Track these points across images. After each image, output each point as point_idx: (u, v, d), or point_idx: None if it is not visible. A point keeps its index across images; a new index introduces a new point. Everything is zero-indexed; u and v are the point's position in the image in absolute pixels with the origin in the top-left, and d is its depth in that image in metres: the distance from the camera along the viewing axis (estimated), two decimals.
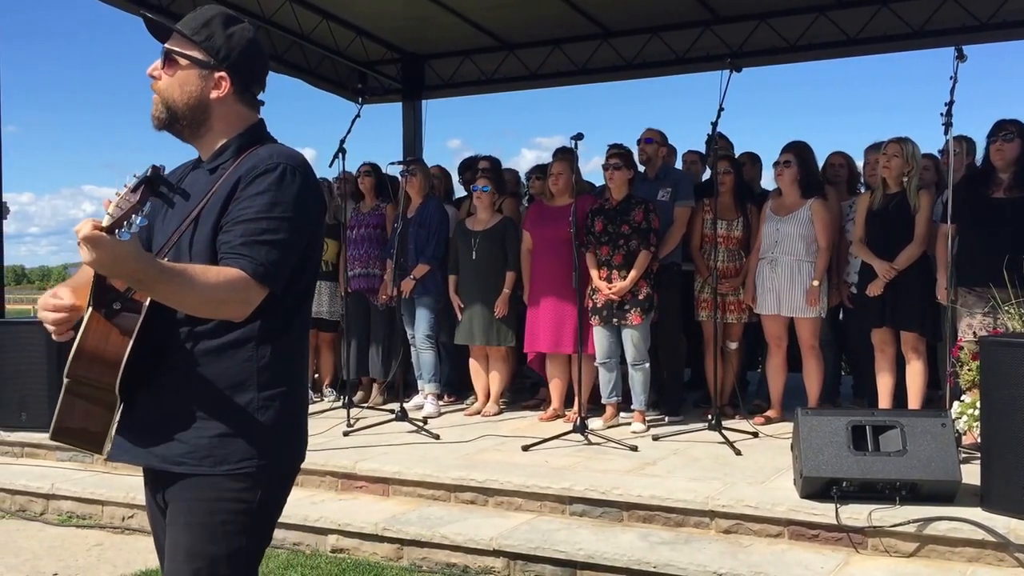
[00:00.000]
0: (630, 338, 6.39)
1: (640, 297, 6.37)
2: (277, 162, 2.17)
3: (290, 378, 2.25)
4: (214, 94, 2.24)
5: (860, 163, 7.49)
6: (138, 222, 1.82)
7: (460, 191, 8.58)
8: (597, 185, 7.57)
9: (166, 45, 2.26)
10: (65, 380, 2.11)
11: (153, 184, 1.85)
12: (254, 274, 2.06)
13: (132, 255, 1.85)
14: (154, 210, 2.27)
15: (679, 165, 7.71)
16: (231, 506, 2.17)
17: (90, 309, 2.07)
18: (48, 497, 5.92)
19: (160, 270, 1.93)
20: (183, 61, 2.24)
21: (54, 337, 2.18)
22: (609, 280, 6.43)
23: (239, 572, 2.21)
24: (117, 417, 2.15)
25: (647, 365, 6.44)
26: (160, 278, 1.93)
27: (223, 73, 2.24)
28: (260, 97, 2.37)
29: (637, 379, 6.45)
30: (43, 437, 6.67)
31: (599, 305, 6.45)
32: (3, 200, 7.38)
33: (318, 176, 2.49)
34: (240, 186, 2.15)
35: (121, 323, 2.07)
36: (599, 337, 6.50)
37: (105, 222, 1.82)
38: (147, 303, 2.08)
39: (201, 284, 1.98)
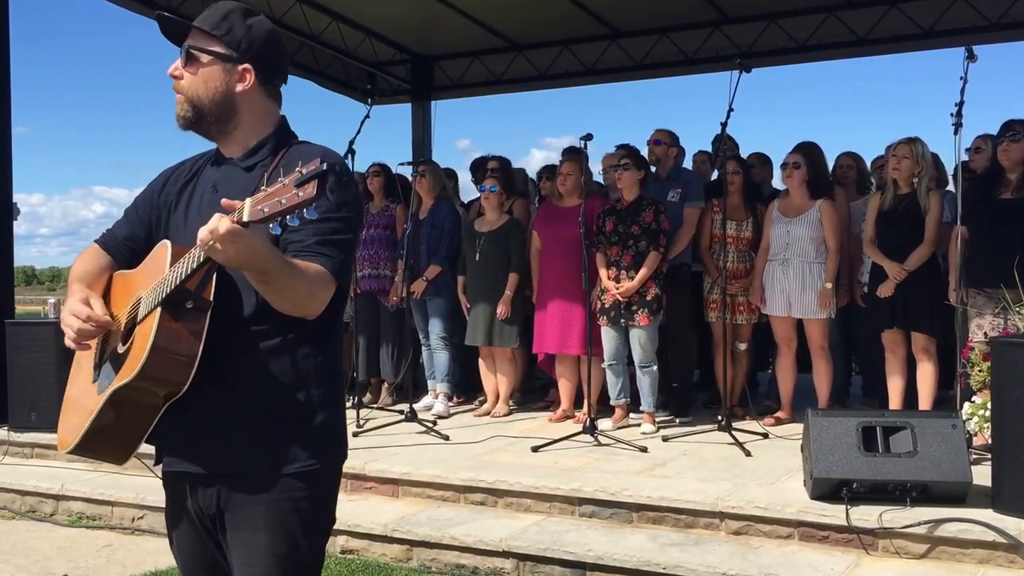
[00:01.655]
0: (637, 339, 6.37)
1: (648, 298, 6.36)
2: (332, 162, 2.10)
3: (336, 376, 2.28)
4: (239, 87, 2.22)
5: (870, 162, 7.49)
6: (307, 214, 1.81)
7: (472, 192, 8.58)
8: (606, 185, 7.57)
9: (187, 43, 2.22)
10: (118, 384, 2.06)
11: (325, 179, 1.81)
12: (332, 271, 2.09)
13: (266, 246, 1.91)
14: (179, 203, 2.28)
15: (688, 165, 7.69)
16: (306, 504, 2.17)
17: (159, 309, 2.03)
18: (58, 498, 5.94)
19: (283, 261, 1.98)
20: (205, 57, 2.21)
21: (71, 344, 2.17)
22: (618, 280, 6.42)
23: (318, 566, 2.27)
24: (154, 424, 2.13)
25: (655, 367, 6.42)
26: (282, 270, 1.97)
27: (247, 65, 2.22)
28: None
29: (645, 382, 6.44)
30: (53, 438, 6.65)
31: (607, 305, 6.44)
32: (14, 201, 7.41)
33: None
34: None
35: (188, 323, 2.05)
36: (607, 338, 6.49)
37: (247, 215, 1.82)
38: (212, 301, 2.07)
39: (306, 277, 2.03)
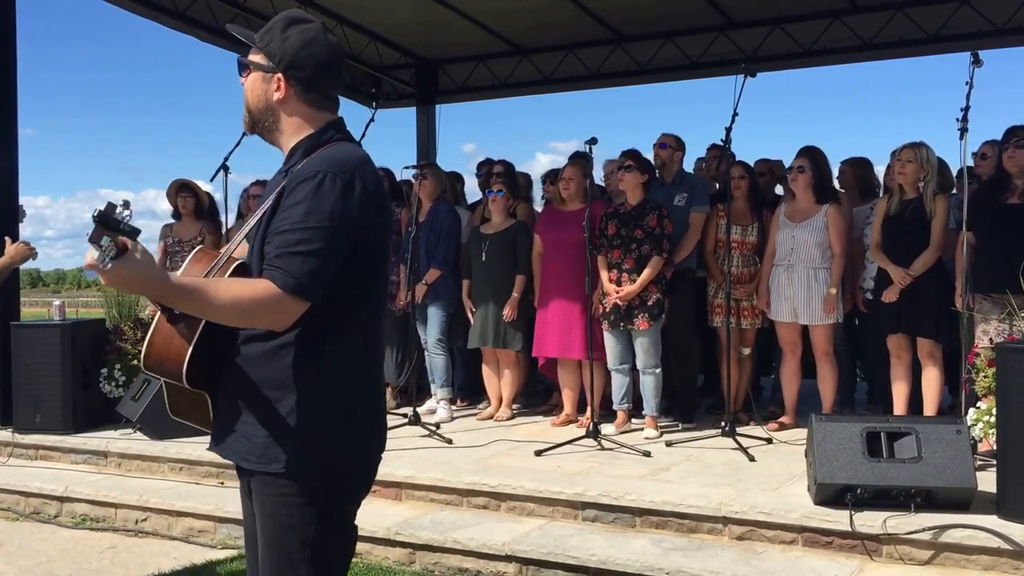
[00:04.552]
0: (640, 344, 6.36)
1: (649, 303, 6.34)
2: (318, 169, 2.18)
3: (342, 380, 2.27)
4: (275, 96, 2.32)
5: (881, 167, 7.48)
6: (105, 258, 1.89)
7: (476, 194, 8.58)
8: (609, 191, 7.56)
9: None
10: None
11: (103, 223, 1.88)
12: (284, 287, 2.09)
13: (135, 278, 1.96)
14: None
15: (689, 168, 7.67)
16: (292, 500, 2.24)
17: (158, 312, 2.22)
18: (62, 500, 5.95)
19: (172, 288, 2.02)
20: (250, 67, 2.35)
21: None
22: (619, 283, 6.40)
23: (316, 561, 2.28)
24: (211, 404, 2.33)
25: (658, 371, 6.41)
26: (177, 295, 2.04)
27: (279, 74, 2.30)
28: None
29: (648, 385, 6.42)
30: (57, 439, 6.71)
31: (607, 309, 6.43)
32: (20, 203, 7.42)
33: None
34: (284, 195, 2.19)
35: (182, 327, 2.20)
36: (609, 342, 6.48)
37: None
38: None
39: (223, 299, 2.06)
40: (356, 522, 2.44)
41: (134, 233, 1.94)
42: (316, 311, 2.17)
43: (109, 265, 1.90)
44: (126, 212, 1.92)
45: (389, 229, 2.41)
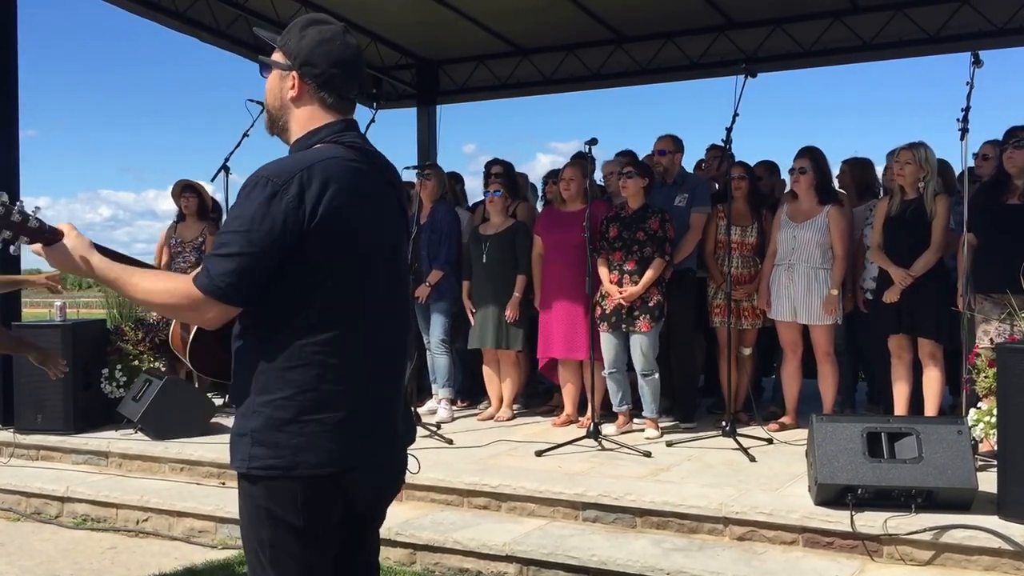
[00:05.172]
0: (638, 345, 6.35)
1: (650, 304, 6.33)
2: (256, 175, 2.20)
3: (296, 383, 2.18)
4: (289, 94, 2.35)
5: (881, 168, 7.48)
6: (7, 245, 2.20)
7: (477, 195, 8.57)
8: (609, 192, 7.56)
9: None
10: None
11: None
12: (200, 286, 2.14)
13: (62, 262, 2.22)
14: None
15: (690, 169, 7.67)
16: (254, 499, 2.26)
17: None
18: (63, 500, 5.95)
19: (96, 274, 2.23)
20: (272, 66, 2.39)
21: None
22: (620, 285, 6.40)
23: (277, 561, 2.25)
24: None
25: (656, 376, 6.39)
26: (103, 281, 2.25)
27: (294, 72, 2.33)
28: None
29: (646, 390, 6.41)
30: (59, 439, 6.71)
31: (608, 311, 6.43)
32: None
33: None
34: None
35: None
36: (607, 346, 6.45)
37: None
38: None
39: (138, 291, 2.22)
40: None
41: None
42: (262, 315, 2.20)
43: (14, 249, 2.21)
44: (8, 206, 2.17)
45: (371, 226, 2.29)
